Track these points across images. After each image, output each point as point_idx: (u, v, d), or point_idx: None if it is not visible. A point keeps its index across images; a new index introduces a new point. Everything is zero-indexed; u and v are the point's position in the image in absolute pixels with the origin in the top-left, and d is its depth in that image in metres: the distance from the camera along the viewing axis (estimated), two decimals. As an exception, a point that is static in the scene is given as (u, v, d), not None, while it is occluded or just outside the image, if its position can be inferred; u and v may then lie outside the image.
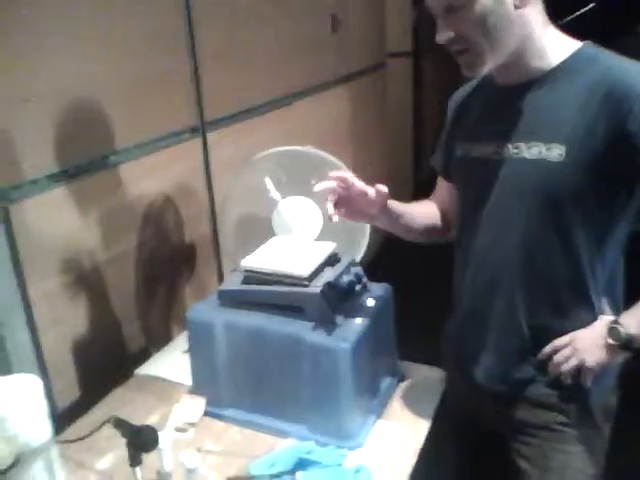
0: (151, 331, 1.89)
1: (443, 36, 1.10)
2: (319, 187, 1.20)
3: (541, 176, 1.11)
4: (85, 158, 1.60)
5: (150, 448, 1.07)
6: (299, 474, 1.24)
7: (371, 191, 1.19)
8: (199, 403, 1.45)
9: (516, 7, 1.07)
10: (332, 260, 1.41)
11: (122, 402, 1.50)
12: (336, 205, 1.19)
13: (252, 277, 1.39)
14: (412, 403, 1.47)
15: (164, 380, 1.58)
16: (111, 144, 1.68)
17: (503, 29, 1.08)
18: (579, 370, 1.17)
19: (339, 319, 1.31)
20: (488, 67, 1.13)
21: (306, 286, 1.32)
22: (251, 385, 1.40)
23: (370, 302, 1.40)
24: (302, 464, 1.26)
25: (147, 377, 1.61)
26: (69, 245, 1.59)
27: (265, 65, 2.32)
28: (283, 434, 1.36)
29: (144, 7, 1.75)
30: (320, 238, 1.60)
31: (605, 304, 1.19)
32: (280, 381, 1.36)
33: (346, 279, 1.37)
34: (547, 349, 1.20)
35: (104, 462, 1.31)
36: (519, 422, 1.25)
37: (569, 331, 1.19)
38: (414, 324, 1.53)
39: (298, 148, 1.70)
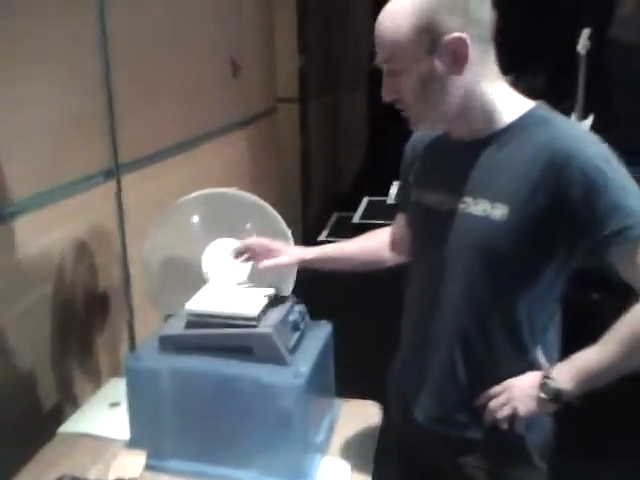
0: (66, 386, 1.78)
1: (385, 97, 1.18)
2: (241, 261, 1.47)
3: (484, 233, 1.16)
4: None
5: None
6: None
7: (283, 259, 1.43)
8: (139, 457, 1.38)
9: (451, 75, 1.12)
10: (276, 300, 1.42)
11: (50, 464, 1.39)
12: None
13: (196, 321, 1.36)
14: (352, 437, 1.49)
15: (94, 436, 1.49)
16: (15, 193, 1.58)
17: (440, 95, 1.14)
18: (513, 417, 1.19)
19: (289, 358, 1.32)
20: (427, 125, 1.22)
21: (255, 326, 1.32)
22: (197, 433, 1.37)
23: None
24: (259, 508, 1.24)
25: (73, 435, 1.51)
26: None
27: (174, 108, 2.30)
28: (232, 481, 1.33)
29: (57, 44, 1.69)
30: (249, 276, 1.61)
31: (540, 353, 1.22)
32: (229, 426, 1.34)
33: (292, 318, 1.38)
34: (483, 396, 1.22)
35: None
36: (460, 465, 1.28)
37: (504, 379, 1.22)
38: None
39: (224, 190, 1.70)
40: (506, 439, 1.23)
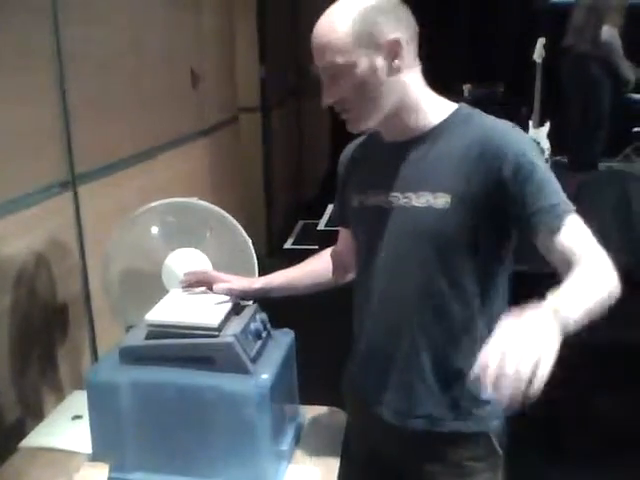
0: (27, 400, 1.75)
1: (326, 100, 1.24)
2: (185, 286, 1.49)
3: (430, 222, 1.22)
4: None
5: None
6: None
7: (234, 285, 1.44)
8: (102, 470, 1.36)
9: (390, 75, 1.20)
10: (237, 309, 1.42)
11: (12, 479, 1.38)
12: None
13: (157, 331, 1.36)
14: (318, 445, 1.50)
15: (56, 450, 1.47)
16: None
17: (378, 95, 1.21)
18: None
19: (251, 367, 1.32)
20: (368, 125, 1.27)
21: (216, 336, 1.32)
22: (160, 445, 1.36)
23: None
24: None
25: (35, 449, 1.49)
26: None
27: (132, 118, 2.30)
28: (197, 491, 1.33)
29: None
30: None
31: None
32: (192, 436, 1.33)
33: (253, 326, 1.39)
34: (476, 370, 0.93)
35: None
36: (426, 459, 1.31)
37: (466, 361, 1.13)
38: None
39: (183, 200, 1.70)
40: (476, 431, 1.27)
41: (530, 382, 0.88)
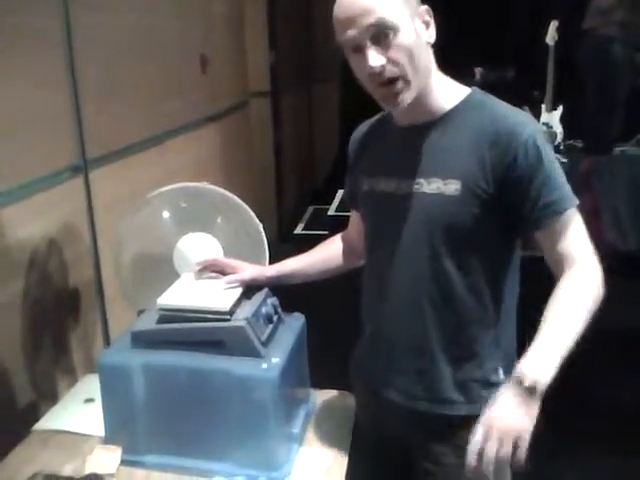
0: (40, 383, 1.77)
1: (377, 61, 1.14)
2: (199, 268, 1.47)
3: (439, 208, 1.22)
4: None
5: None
6: (235, 510, 1.23)
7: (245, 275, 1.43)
8: (114, 452, 1.38)
9: (427, 43, 1.20)
10: (248, 293, 1.42)
11: (24, 462, 1.38)
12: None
13: (168, 315, 1.36)
14: (329, 428, 1.50)
15: (69, 433, 1.49)
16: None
17: (422, 59, 1.18)
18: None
19: (262, 350, 1.33)
20: (411, 97, 1.19)
21: (228, 320, 1.32)
22: (172, 428, 1.36)
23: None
24: (236, 500, 1.25)
25: (49, 432, 1.50)
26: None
27: (143, 103, 2.30)
28: (209, 474, 1.34)
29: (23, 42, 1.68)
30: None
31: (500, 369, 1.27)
32: (204, 419, 1.34)
33: (265, 311, 1.39)
34: (471, 459, 1.09)
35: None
36: (433, 441, 1.31)
37: (477, 345, 1.26)
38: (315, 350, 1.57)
39: (194, 184, 1.70)
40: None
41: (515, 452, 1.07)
